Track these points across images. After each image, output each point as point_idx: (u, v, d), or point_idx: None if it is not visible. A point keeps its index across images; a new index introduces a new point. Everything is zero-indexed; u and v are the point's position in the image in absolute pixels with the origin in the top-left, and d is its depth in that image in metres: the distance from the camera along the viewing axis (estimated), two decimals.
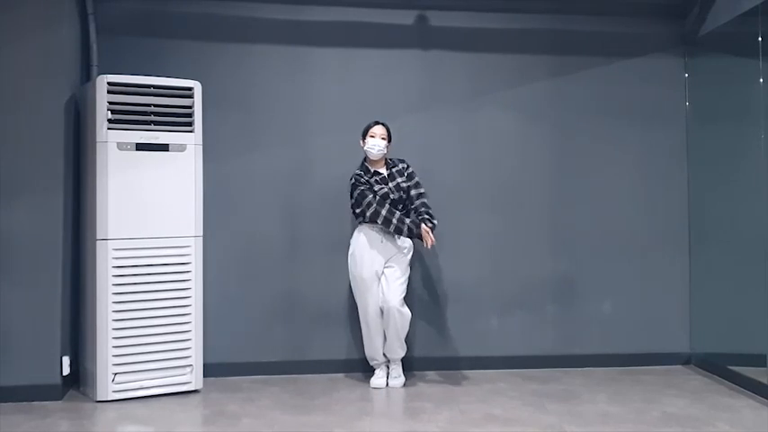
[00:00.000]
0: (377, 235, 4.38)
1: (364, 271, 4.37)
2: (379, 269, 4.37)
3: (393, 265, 4.39)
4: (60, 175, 4.14)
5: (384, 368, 4.49)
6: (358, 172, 4.43)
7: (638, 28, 5.04)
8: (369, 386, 4.43)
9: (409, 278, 4.47)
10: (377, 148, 4.41)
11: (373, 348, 4.45)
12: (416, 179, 4.51)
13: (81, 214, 4.28)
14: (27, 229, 4.07)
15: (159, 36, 4.68)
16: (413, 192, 4.48)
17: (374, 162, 4.46)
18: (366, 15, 4.85)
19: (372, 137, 4.42)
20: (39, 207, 4.09)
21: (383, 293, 4.35)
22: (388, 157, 4.53)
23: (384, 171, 4.47)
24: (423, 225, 4.31)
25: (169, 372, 4.18)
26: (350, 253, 4.45)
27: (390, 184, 4.42)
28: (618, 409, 3.99)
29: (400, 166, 4.52)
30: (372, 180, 4.41)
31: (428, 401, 4.13)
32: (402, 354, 4.46)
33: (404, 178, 4.47)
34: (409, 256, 4.47)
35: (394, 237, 4.40)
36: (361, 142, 4.45)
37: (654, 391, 4.33)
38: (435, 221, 4.39)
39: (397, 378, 4.46)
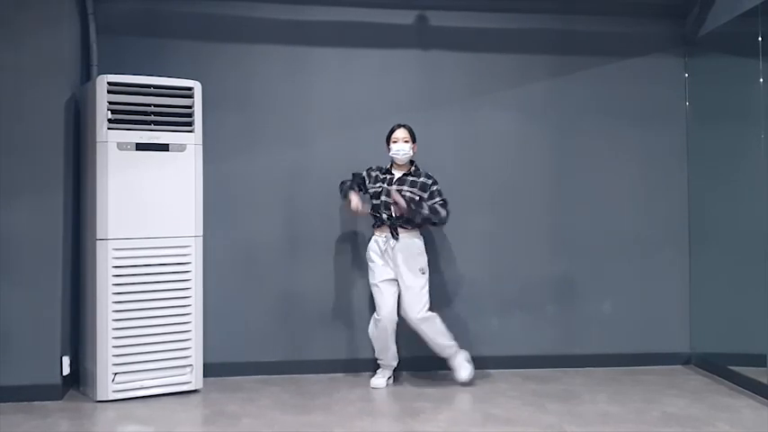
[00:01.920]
0: (381, 242, 4.40)
1: (375, 277, 4.41)
2: (389, 276, 4.37)
3: (407, 272, 4.35)
4: (60, 175, 4.14)
5: (386, 370, 4.49)
6: (371, 166, 4.50)
7: (638, 28, 5.04)
8: (369, 386, 4.43)
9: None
10: (402, 152, 4.39)
11: (379, 350, 4.47)
12: (438, 199, 4.37)
13: (81, 214, 4.28)
14: (27, 229, 4.07)
15: (159, 36, 4.68)
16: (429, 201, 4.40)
17: (397, 165, 4.45)
18: (366, 15, 4.85)
19: (395, 142, 4.41)
20: (39, 207, 4.09)
21: (402, 305, 4.36)
22: (415, 159, 4.48)
23: (398, 174, 4.44)
24: (351, 192, 4.37)
25: (169, 372, 4.17)
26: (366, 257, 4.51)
27: (392, 186, 4.38)
28: (618, 409, 3.99)
29: (422, 180, 4.41)
30: (376, 176, 4.44)
31: (428, 401, 4.13)
32: (450, 351, 4.46)
33: (415, 189, 4.37)
34: (421, 259, 4.40)
35: (396, 241, 4.35)
36: (386, 148, 4.44)
37: (654, 391, 4.33)
38: (417, 204, 4.28)
39: (462, 369, 4.45)
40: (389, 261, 4.39)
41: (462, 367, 4.46)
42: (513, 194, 4.92)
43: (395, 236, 4.36)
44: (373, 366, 4.56)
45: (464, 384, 4.43)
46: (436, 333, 4.40)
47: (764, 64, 4.17)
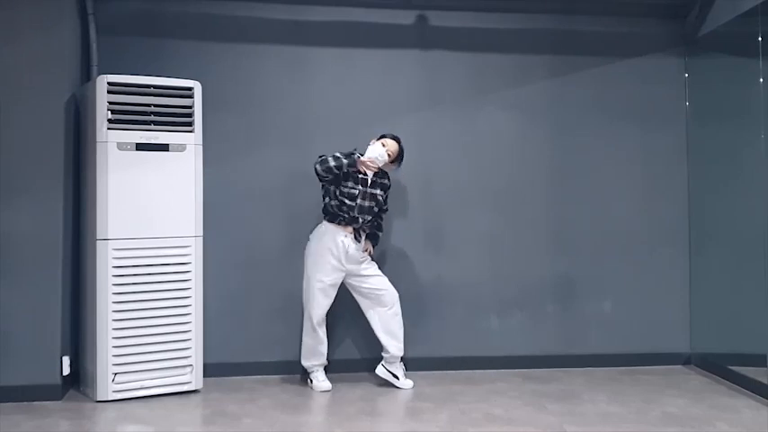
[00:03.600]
0: (342, 240, 4.30)
1: (326, 274, 4.30)
2: (338, 280, 4.34)
3: (366, 265, 4.39)
4: (60, 175, 4.14)
5: (322, 369, 4.45)
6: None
7: (638, 28, 5.04)
8: (369, 386, 4.43)
9: (408, 278, 4.47)
10: (380, 158, 4.30)
11: (320, 353, 4.40)
12: (384, 206, 4.49)
13: (81, 214, 4.28)
14: (27, 229, 4.07)
15: (159, 36, 4.68)
16: (383, 206, 4.47)
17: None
18: (366, 15, 4.85)
19: (384, 146, 4.34)
20: (39, 207, 4.09)
21: (378, 294, 4.36)
22: (405, 156, 4.47)
23: (370, 175, 4.37)
24: (359, 157, 4.26)
25: (169, 372, 4.17)
26: (309, 251, 4.37)
27: (367, 189, 4.34)
28: (618, 409, 3.99)
29: (386, 181, 4.45)
30: (350, 174, 4.30)
31: (428, 401, 4.13)
32: (401, 353, 4.47)
33: (384, 192, 4.42)
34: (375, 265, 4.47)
35: (358, 243, 4.34)
36: (372, 141, 4.39)
37: (654, 391, 4.33)
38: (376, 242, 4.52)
39: (405, 377, 4.46)
40: (344, 263, 4.32)
41: (404, 374, 4.47)
42: (514, 194, 4.92)
43: (358, 238, 4.35)
44: (370, 366, 4.55)
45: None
46: (401, 325, 4.43)
47: (764, 64, 4.17)
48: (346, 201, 4.28)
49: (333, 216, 4.33)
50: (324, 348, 4.42)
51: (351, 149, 4.32)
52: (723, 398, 4.21)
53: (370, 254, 4.45)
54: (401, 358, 4.48)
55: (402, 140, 4.45)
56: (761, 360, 4.14)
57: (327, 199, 4.34)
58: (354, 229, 4.34)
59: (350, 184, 4.30)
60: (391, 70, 4.87)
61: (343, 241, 4.30)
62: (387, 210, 4.55)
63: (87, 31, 4.48)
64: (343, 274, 4.35)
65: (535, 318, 4.91)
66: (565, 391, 4.34)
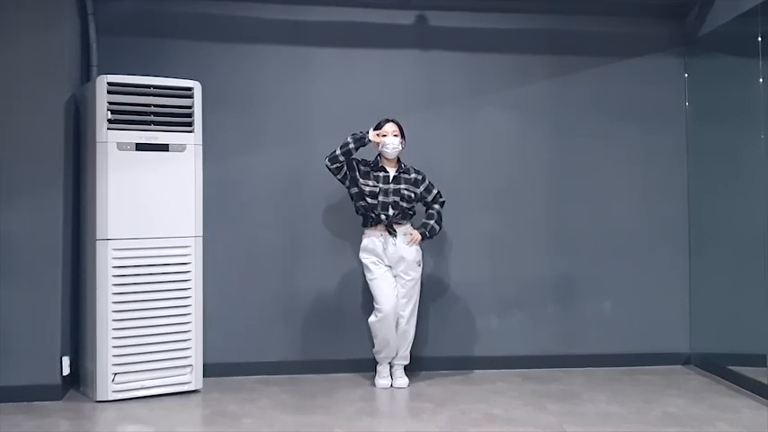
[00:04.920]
0: (377, 240, 4.36)
1: (373, 273, 4.35)
2: (387, 270, 4.35)
3: (406, 266, 4.35)
4: (60, 175, 4.14)
5: (387, 366, 4.46)
6: (356, 158, 4.40)
7: (638, 28, 5.04)
8: (369, 386, 4.43)
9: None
10: (392, 146, 4.35)
11: (380, 344, 4.39)
12: (435, 192, 4.51)
13: (81, 214, 4.28)
14: (27, 230, 4.07)
15: (159, 36, 4.68)
16: (429, 198, 4.50)
17: (387, 160, 4.42)
18: (366, 15, 4.85)
19: (385, 136, 4.36)
20: (39, 207, 4.09)
21: (401, 297, 4.36)
22: (404, 157, 4.47)
23: (392, 171, 4.42)
24: (371, 131, 4.32)
25: (169, 372, 4.17)
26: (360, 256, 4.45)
27: (390, 185, 4.37)
28: (618, 409, 3.99)
29: (413, 175, 4.45)
30: (367, 171, 4.37)
31: (428, 401, 4.13)
32: (407, 361, 4.48)
33: (410, 186, 4.40)
34: (418, 251, 4.40)
35: (395, 238, 4.35)
36: (376, 145, 4.38)
37: (654, 391, 4.33)
38: (430, 230, 4.43)
39: (401, 378, 4.45)
40: (387, 258, 4.36)
41: (404, 376, 4.47)
42: (513, 194, 4.92)
43: (392, 233, 4.35)
44: (370, 366, 4.55)
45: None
46: (412, 334, 4.43)
47: (764, 64, 4.17)
48: (368, 200, 4.34)
49: (364, 219, 4.41)
50: (387, 341, 4.36)
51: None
52: (723, 398, 4.21)
53: (414, 240, 4.36)
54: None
55: (399, 122, 4.45)
56: (761, 360, 4.14)
57: (354, 203, 4.42)
58: (385, 226, 4.35)
59: (370, 183, 4.36)
60: (391, 70, 4.87)
61: (377, 241, 4.36)
62: (440, 198, 4.51)
63: (87, 31, 4.48)
64: (390, 267, 4.37)
65: (535, 318, 4.91)
66: (565, 391, 4.34)
